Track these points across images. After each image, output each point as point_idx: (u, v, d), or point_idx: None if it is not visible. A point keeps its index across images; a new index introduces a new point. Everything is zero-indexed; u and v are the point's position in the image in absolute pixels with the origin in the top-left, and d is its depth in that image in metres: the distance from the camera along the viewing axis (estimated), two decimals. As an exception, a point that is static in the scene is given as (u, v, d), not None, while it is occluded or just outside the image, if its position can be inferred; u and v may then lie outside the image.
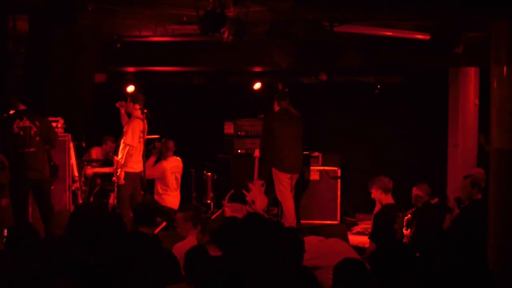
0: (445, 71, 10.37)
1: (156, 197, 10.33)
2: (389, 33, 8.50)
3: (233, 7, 6.74)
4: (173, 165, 10.48)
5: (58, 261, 5.15)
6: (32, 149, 8.10)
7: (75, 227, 5.83)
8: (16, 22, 6.60)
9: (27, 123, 8.06)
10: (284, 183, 9.92)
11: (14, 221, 7.81)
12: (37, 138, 8.14)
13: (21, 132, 8.04)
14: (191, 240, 6.50)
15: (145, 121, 9.34)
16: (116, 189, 9.34)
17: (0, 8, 6.46)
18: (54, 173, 8.61)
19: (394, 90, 11.73)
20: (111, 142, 11.15)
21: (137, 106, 9.35)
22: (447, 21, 8.05)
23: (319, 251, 6.33)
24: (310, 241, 7.48)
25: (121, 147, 9.28)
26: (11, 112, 8.44)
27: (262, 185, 10.39)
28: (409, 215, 8.42)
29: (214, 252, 5.65)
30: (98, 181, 10.61)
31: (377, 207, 8.35)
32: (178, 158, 10.59)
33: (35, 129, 8.11)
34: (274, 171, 9.93)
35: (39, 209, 8.29)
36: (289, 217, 9.75)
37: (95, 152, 11.22)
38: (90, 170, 10.24)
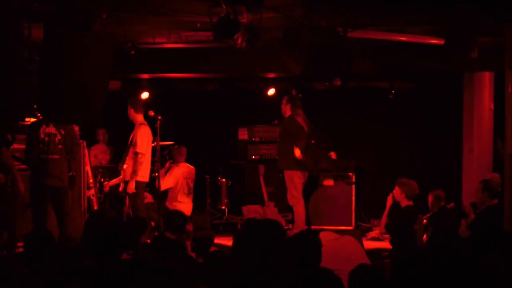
0: (460, 76, 10.33)
1: (167, 203, 10.35)
2: (403, 38, 8.49)
3: (247, 13, 6.75)
4: (185, 170, 10.50)
5: (72, 268, 5.17)
6: (55, 156, 8.13)
7: (90, 234, 5.85)
8: (31, 30, 6.65)
9: (53, 130, 8.10)
10: (299, 185, 9.92)
11: (33, 227, 7.84)
12: (60, 146, 8.16)
13: (46, 138, 8.08)
14: None
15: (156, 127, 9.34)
16: (127, 198, 9.37)
17: (15, 17, 6.51)
18: (71, 184, 8.64)
19: (408, 95, 11.70)
20: (102, 133, 11.24)
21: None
22: (460, 26, 8.02)
23: (330, 251, 6.34)
24: (324, 237, 7.52)
25: (128, 156, 9.29)
26: (28, 119, 8.52)
27: (275, 205, 10.41)
28: (424, 220, 8.40)
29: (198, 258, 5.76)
30: (107, 188, 10.63)
31: (389, 203, 8.27)
32: (191, 166, 10.61)
33: (59, 137, 8.14)
34: (290, 173, 9.91)
35: (56, 216, 8.31)
36: (301, 223, 9.74)
37: (95, 151, 11.23)
38: (107, 187, 10.22)
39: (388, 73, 11.04)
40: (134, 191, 9.16)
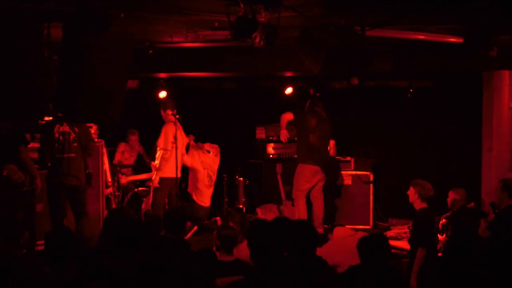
0: (479, 75, 10.27)
1: (190, 191, 10.40)
2: (422, 37, 8.44)
3: (265, 12, 6.74)
4: (205, 160, 10.53)
5: (91, 266, 5.20)
6: (71, 155, 8.20)
7: (108, 233, 5.88)
8: (50, 30, 6.69)
9: (66, 128, 8.17)
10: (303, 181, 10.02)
11: (52, 226, 7.89)
12: (75, 144, 8.23)
13: (61, 137, 8.15)
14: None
15: (178, 125, 9.38)
16: (152, 193, 9.43)
17: (35, 17, 6.54)
18: (88, 181, 8.68)
19: (426, 94, 11.65)
20: (131, 135, 11.28)
21: (169, 112, 9.43)
22: (479, 24, 7.97)
23: (345, 247, 6.39)
24: (340, 233, 7.54)
25: (157, 152, 9.39)
26: (46, 118, 8.57)
27: (292, 204, 10.42)
28: (444, 220, 8.35)
29: (222, 257, 5.73)
30: (131, 186, 10.71)
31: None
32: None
33: (74, 135, 8.20)
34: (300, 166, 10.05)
35: (74, 215, 8.36)
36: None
37: (123, 147, 11.31)
38: (124, 179, 10.33)
39: (406, 72, 11.00)
40: (157, 185, 9.26)
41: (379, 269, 5.13)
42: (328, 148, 10.44)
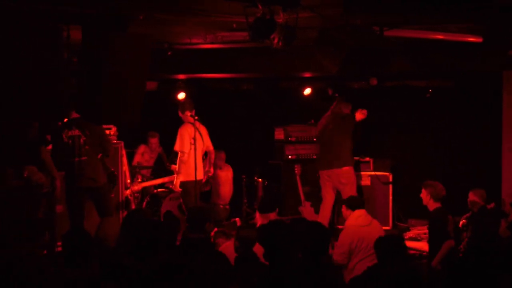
0: (499, 74, 10.22)
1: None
2: (440, 37, 8.41)
3: (283, 13, 6.76)
4: (228, 173, 10.64)
5: (110, 266, 5.23)
6: (83, 158, 8.18)
7: (127, 234, 5.92)
8: (70, 32, 6.74)
9: (76, 132, 8.16)
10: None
11: (69, 227, 7.95)
12: (87, 147, 8.22)
13: (70, 141, 8.14)
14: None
15: (198, 126, 9.37)
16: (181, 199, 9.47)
17: (55, 19, 6.61)
18: (112, 181, 8.70)
19: (445, 94, 11.60)
20: (151, 137, 11.32)
21: (188, 113, 9.45)
22: (499, 23, 7.93)
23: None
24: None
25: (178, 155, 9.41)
26: (66, 120, 8.63)
27: (311, 205, 10.42)
28: (464, 220, 8.32)
29: None
30: (151, 188, 10.74)
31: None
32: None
33: (84, 138, 8.19)
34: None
35: (99, 216, 8.39)
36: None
37: (143, 149, 11.36)
38: (137, 186, 10.22)
39: (425, 72, 10.96)
40: (179, 189, 9.27)
41: (396, 269, 5.14)
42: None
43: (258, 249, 5.77)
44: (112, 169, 8.76)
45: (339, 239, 7.51)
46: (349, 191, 9.80)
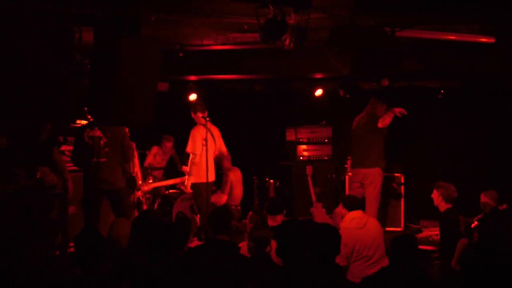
0: (510, 75, 10.17)
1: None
2: (452, 37, 8.39)
3: (294, 14, 6.76)
4: (238, 174, 10.65)
5: (122, 267, 5.25)
6: (101, 160, 8.19)
7: (137, 234, 5.93)
8: (82, 34, 6.77)
9: (97, 133, 8.18)
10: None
11: (82, 228, 7.96)
12: (107, 149, 8.23)
13: (90, 142, 8.17)
14: None
15: (210, 127, 9.37)
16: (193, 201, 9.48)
17: (67, 21, 6.64)
18: (130, 185, 8.71)
19: (458, 95, 11.56)
20: (167, 141, 11.33)
21: (199, 114, 9.45)
22: (511, 23, 7.90)
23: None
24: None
25: (190, 156, 9.42)
26: (79, 121, 8.67)
27: (323, 206, 10.42)
28: (476, 222, 8.30)
29: None
30: (162, 189, 10.76)
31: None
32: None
33: (105, 140, 8.21)
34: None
35: (115, 217, 8.39)
36: None
37: (155, 151, 11.40)
38: (147, 186, 10.22)
39: (437, 73, 10.92)
40: (190, 191, 9.27)
41: (407, 270, 5.14)
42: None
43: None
44: (129, 174, 8.77)
45: None
46: (370, 192, 9.84)
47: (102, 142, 8.20)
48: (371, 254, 7.29)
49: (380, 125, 9.87)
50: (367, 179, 9.96)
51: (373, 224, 7.59)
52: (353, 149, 10.36)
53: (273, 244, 6.15)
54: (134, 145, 9.58)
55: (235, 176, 10.95)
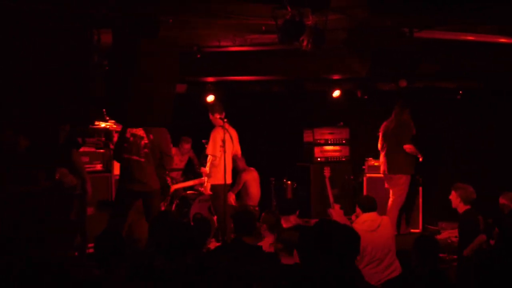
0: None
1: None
2: (471, 38, 8.33)
3: (312, 15, 6.75)
4: (254, 174, 10.64)
5: (140, 268, 5.27)
6: (139, 158, 8.19)
7: (155, 235, 5.95)
8: (100, 36, 6.80)
9: (140, 132, 8.21)
10: None
11: (104, 228, 7.98)
12: (146, 150, 8.24)
13: (131, 138, 8.20)
14: (266, 242, 6.59)
15: (228, 128, 9.36)
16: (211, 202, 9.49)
17: (85, 23, 6.67)
18: (163, 192, 8.74)
19: (476, 96, 11.49)
20: (185, 143, 11.37)
21: (217, 116, 9.45)
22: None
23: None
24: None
25: (208, 157, 9.41)
26: (96, 122, 8.71)
27: (341, 207, 10.41)
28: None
29: (285, 260, 5.73)
30: (180, 190, 10.79)
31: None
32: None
33: (146, 141, 8.22)
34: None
35: (146, 220, 8.40)
36: None
37: (173, 152, 11.42)
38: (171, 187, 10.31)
39: (455, 73, 10.87)
40: (209, 192, 9.28)
41: (430, 271, 5.13)
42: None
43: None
44: (168, 183, 8.82)
45: None
46: (393, 194, 10.01)
47: (142, 142, 8.22)
48: (383, 257, 7.26)
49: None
50: (391, 183, 10.01)
51: (386, 227, 7.55)
52: (382, 155, 10.34)
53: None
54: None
55: (250, 177, 10.92)
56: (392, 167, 10.13)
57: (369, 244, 7.22)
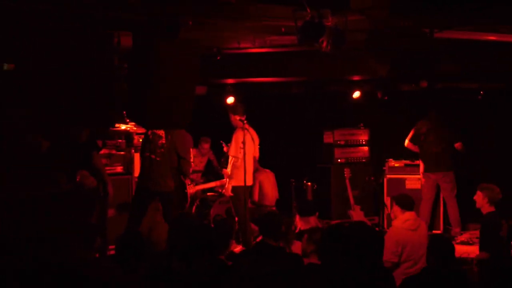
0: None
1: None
2: (492, 38, 8.27)
3: (331, 16, 6.73)
4: (269, 175, 10.63)
5: (159, 269, 5.28)
6: (155, 157, 8.26)
7: (174, 238, 5.96)
8: (121, 39, 6.82)
9: (161, 131, 8.28)
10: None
11: (125, 229, 8.01)
12: (162, 149, 8.30)
13: (151, 136, 8.29)
14: (297, 247, 6.58)
15: (248, 129, 9.34)
16: (231, 204, 9.48)
17: (105, 26, 6.70)
18: (181, 199, 8.81)
19: (498, 96, 11.40)
20: (204, 143, 11.39)
21: (237, 117, 9.42)
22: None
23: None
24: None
25: (229, 159, 9.39)
26: (117, 125, 8.75)
27: (361, 209, 10.36)
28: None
29: (315, 261, 5.69)
30: (199, 192, 10.80)
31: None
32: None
33: (163, 141, 8.30)
34: None
35: (164, 220, 8.44)
36: None
37: (193, 154, 11.45)
38: (193, 189, 10.34)
39: (477, 74, 10.79)
40: (231, 194, 9.27)
41: (450, 271, 5.12)
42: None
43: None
44: (186, 189, 8.89)
45: (386, 240, 7.40)
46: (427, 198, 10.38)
47: (160, 142, 8.27)
48: (417, 259, 7.24)
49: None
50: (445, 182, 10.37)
51: (424, 229, 7.63)
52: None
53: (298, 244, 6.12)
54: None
55: (264, 177, 10.88)
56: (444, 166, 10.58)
57: (408, 243, 7.24)
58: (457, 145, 10.57)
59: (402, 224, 7.43)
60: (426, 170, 10.62)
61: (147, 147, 8.30)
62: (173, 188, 8.54)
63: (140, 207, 8.31)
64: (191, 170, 9.34)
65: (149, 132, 8.29)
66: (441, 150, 10.57)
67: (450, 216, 10.52)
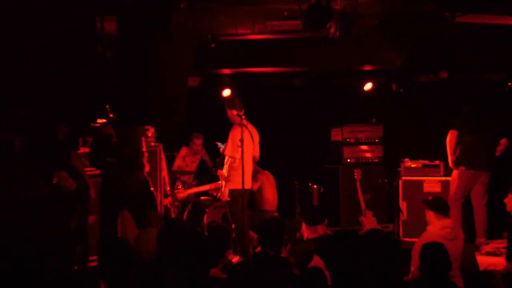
0: None
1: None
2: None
3: (340, -1, 6.79)
4: (269, 177, 10.68)
5: (148, 280, 5.34)
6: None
7: (163, 246, 6.02)
8: (104, 24, 6.86)
9: (110, 130, 8.35)
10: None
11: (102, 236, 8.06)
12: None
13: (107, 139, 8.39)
14: None
15: (247, 126, 9.37)
16: (227, 208, 9.52)
17: (87, 10, 6.74)
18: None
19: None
20: (196, 139, 11.43)
21: (234, 112, 9.44)
22: None
23: None
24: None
25: (225, 159, 9.38)
26: (98, 120, 8.79)
27: (373, 215, 10.40)
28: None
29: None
30: (191, 196, 10.83)
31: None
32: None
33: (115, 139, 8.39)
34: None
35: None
36: None
37: (184, 152, 11.50)
38: (182, 193, 10.38)
39: (503, 63, 10.83)
40: (227, 198, 9.25)
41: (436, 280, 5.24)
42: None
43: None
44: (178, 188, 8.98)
45: (418, 246, 7.40)
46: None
47: (113, 140, 8.31)
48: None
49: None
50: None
51: (461, 240, 7.57)
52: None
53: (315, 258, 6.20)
54: (161, 146, 9.65)
55: (265, 180, 10.92)
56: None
57: None
58: (503, 140, 10.43)
59: (439, 231, 7.38)
60: (467, 167, 10.49)
61: (104, 151, 8.34)
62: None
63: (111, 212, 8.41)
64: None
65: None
66: (486, 147, 10.45)
67: (478, 225, 10.48)
